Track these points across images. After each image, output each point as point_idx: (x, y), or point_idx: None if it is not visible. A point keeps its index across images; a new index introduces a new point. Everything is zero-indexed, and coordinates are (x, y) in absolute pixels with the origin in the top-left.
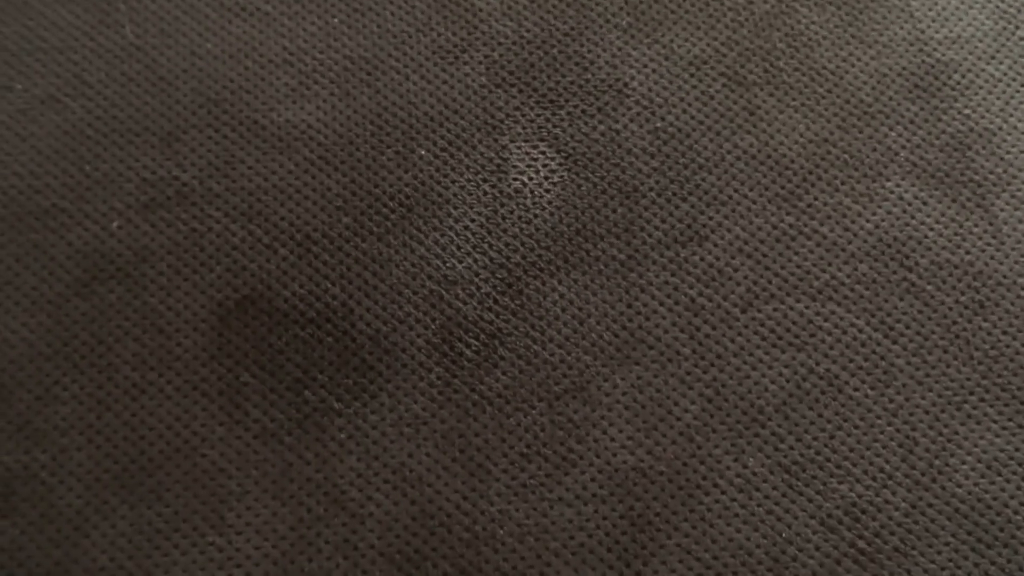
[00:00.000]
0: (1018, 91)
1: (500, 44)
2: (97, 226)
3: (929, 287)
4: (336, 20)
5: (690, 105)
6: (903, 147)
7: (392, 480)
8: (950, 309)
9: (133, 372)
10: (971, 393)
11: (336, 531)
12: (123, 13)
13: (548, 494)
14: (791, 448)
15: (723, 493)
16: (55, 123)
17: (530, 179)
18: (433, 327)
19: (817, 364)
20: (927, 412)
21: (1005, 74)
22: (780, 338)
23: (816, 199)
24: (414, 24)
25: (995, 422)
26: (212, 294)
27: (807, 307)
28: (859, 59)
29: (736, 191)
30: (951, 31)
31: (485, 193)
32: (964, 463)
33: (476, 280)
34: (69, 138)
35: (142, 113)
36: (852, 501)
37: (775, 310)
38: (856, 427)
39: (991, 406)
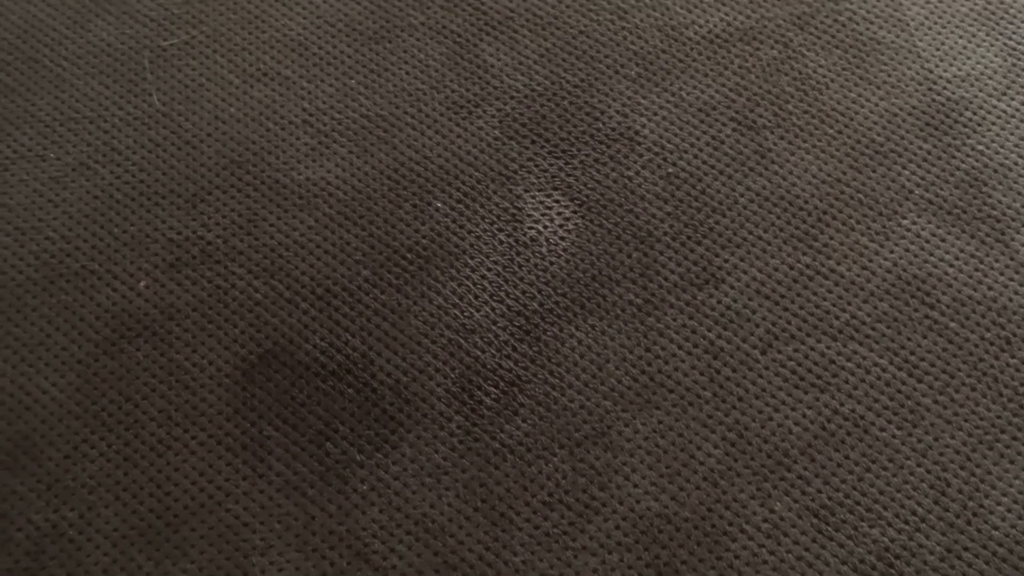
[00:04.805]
0: None
1: (512, 98)
2: (125, 286)
3: (952, 324)
4: (353, 81)
5: (701, 150)
6: (917, 184)
7: (414, 531)
8: (975, 346)
9: (159, 428)
10: (1003, 431)
11: None
12: (150, 83)
13: (572, 543)
14: (819, 492)
15: (750, 539)
16: (86, 188)
17: (545, 227)
18: (452, 376)
19: (841, 405)
20: (958, 452)
21: (1017, 110)
22: (802, 379)
23: (832, 238)
24: (428, 82)
25: None
26: (236, 349)
27: (828, 347)
28: (868, 100)
29: (751, 233)
30: (960, 69)
31: (501, 242)
32: (999, 504)
33: (494, 328)
34: (99, 202)
35: (168, 176)
36: (885, 546)
37: (796, 351)
38: (885, 469)
39: None
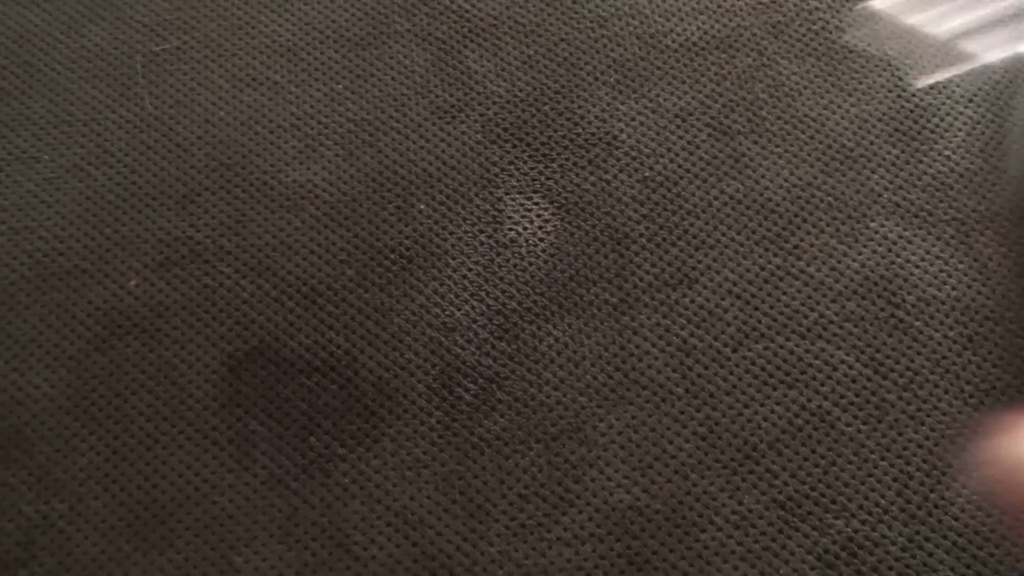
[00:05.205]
0: (996, 132)
1: (494, 103)
2: (116, 285)
3: (917, 323)
4: (340, 86)
5: (677, 155)
6: (886, 188)
7: (394, 523)
8: (939, 344)
9: (147, 423)
10: (964, 427)
11: (340, 575)
12: (143, 87)
13: (547, 534)
14: (786, 484)
15: (719, 531)
16: (79, 190)
17: (525, 229)
18: (433, 373)
19: (809, 401)
20: (920, 446)
21: (983, 116)
22: (771, 376)
23: (802, 240)
24: (413, 87)
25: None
26: (223, 346)
27: (797, 345)
28: (840, 106)
29: (724, 235)
30: (928, 77)
31: (482, 243)
32: (960, 496)
33: (474, 326)
34: (91, 203)
35: (159, 178)
36: (849, 536)
37: (765, 349)
38: (850, 462)
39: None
